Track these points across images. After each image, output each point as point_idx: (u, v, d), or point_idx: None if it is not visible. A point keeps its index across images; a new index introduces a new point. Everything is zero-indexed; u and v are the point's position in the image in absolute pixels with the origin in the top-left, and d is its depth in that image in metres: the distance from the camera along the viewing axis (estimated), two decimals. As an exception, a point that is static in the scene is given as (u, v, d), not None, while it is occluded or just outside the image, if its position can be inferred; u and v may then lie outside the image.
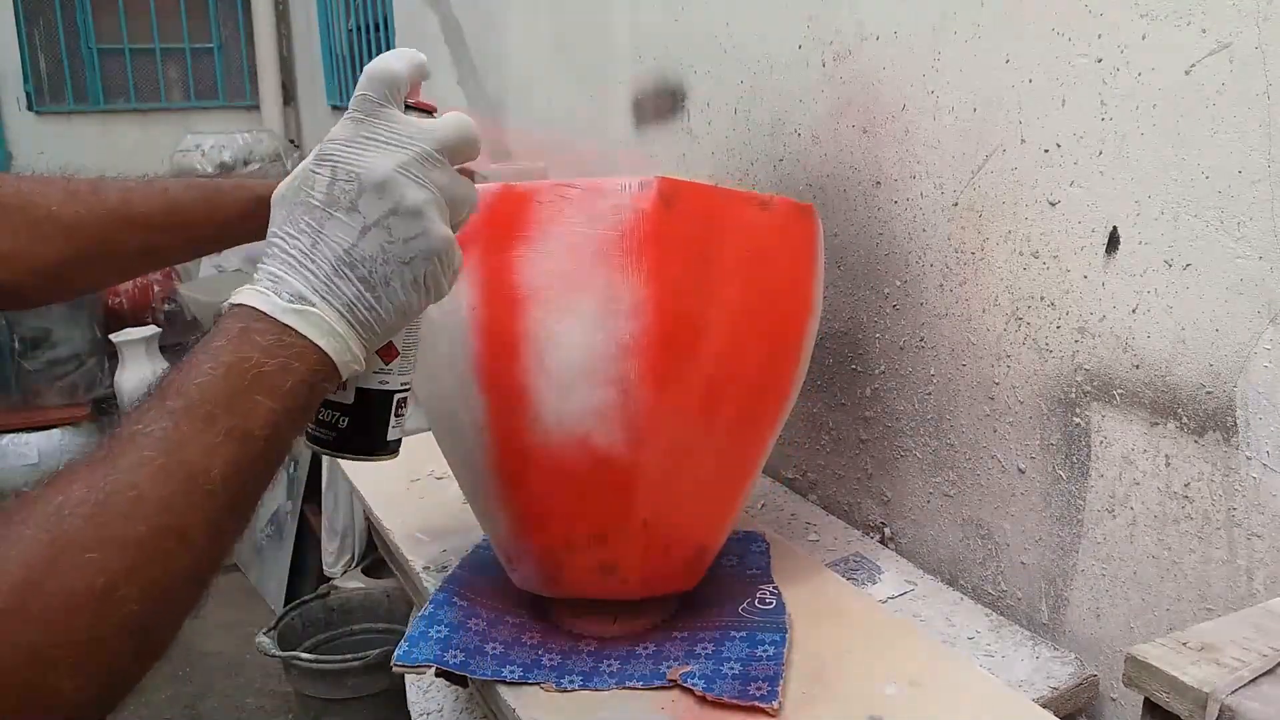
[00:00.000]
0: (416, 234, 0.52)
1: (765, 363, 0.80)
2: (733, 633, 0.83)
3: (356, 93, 0.54)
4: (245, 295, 0.50)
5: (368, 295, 0.51)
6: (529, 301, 0.75)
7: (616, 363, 0.74)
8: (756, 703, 0.74)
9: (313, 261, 0.50)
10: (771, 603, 0.87)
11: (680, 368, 0.75)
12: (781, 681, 0.76)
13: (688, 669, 0.78)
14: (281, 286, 0.49)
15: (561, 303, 0.75)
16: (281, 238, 0.51)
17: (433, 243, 0.53)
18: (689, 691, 0.76)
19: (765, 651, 0.80)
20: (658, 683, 0.78)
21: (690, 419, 0.77)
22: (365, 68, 0.55)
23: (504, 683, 0.80)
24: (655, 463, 0.77)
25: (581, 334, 0.75)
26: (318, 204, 0.51)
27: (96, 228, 0.75)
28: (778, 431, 0.87)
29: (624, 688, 0.78)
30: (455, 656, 0.82)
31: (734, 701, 0.74)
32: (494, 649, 0.83)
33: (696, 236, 0.75)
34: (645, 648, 0.83)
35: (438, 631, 0.85)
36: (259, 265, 0.51)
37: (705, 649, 0.81)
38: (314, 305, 0.49)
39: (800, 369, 0.85)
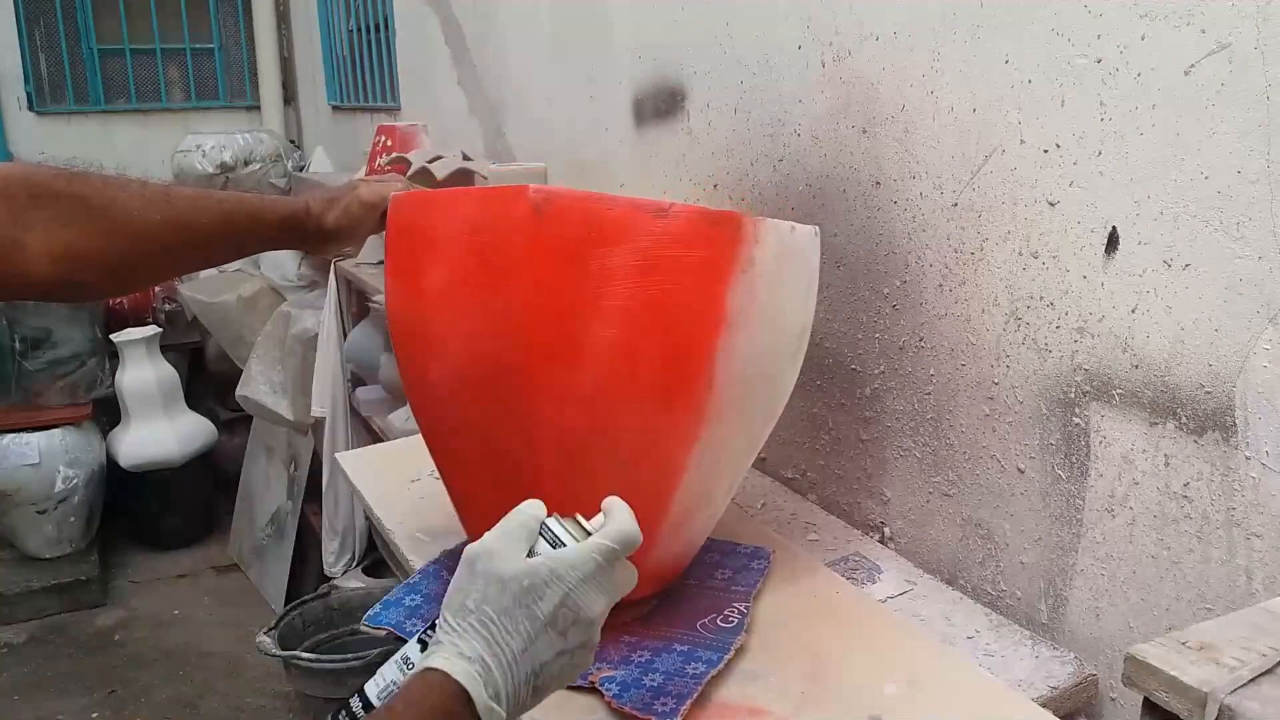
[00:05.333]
0: (590, 654, 0.62)
1: (664, 376, 0.77)
2: (676, 645, 0.82)
3: (609, 544, 0.62)
4: (460, 669, 0.57)
5: (533, 699, 0.60)
6: (431, 307, 0.79)
7: (503, 370, 0.76)
8: (654, 718, 0.73)
9: (517, 667, 0.58)
10: (733, 622, 0.86)
11: (562, 378, 0.75)
12: (690, 700, 0.75)
13: (610, 674, 0.78)
14: (488, 681, 0.57)
15: (454, 310, 0.77)
16: (500, 627, 0.58)
17: (591, 657, 0.63)
18: (602, 694, 0.76)
19: (695, 669, 0.79)
20: (580, 683, 0.77)
21: (581, 430, 0.76)
22: (621, 529, 0.63)
23: None
24: (551, 467, 0.77)
25: (470, 341, 0.77)
26: (540, 618, 0.59)
27: (164, 235, 0.84)
28: (701, 448, 0.81)
29: None
30: (415, 625, 0.84)
31: (634, 713, 0.74)
32: None
33: (573, 246, 0.73)
34: None
35: (412, 600, 0.88)
36: (464, 620, 0.59)
37: (641, 656, 0.81)
38: (502, 711, 0.57)
39: (718, 384, 0.79)
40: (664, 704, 0.74)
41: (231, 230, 0.89)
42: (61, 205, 0.79)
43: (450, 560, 0.94)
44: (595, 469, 0.77)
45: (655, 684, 0.77)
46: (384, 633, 0.85)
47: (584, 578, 0.60)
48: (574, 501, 0.78)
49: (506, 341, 0.75)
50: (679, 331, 0.76)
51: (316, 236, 0.94)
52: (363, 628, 0.86)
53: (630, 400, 0.76)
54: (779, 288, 0.81)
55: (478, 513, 0.85)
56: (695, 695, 0.75)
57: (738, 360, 0.79)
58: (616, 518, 0.64)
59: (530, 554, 0.62)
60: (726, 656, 0.80)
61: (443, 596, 0.87)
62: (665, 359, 0.76)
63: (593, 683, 0.77)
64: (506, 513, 0.81)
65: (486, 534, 0.63)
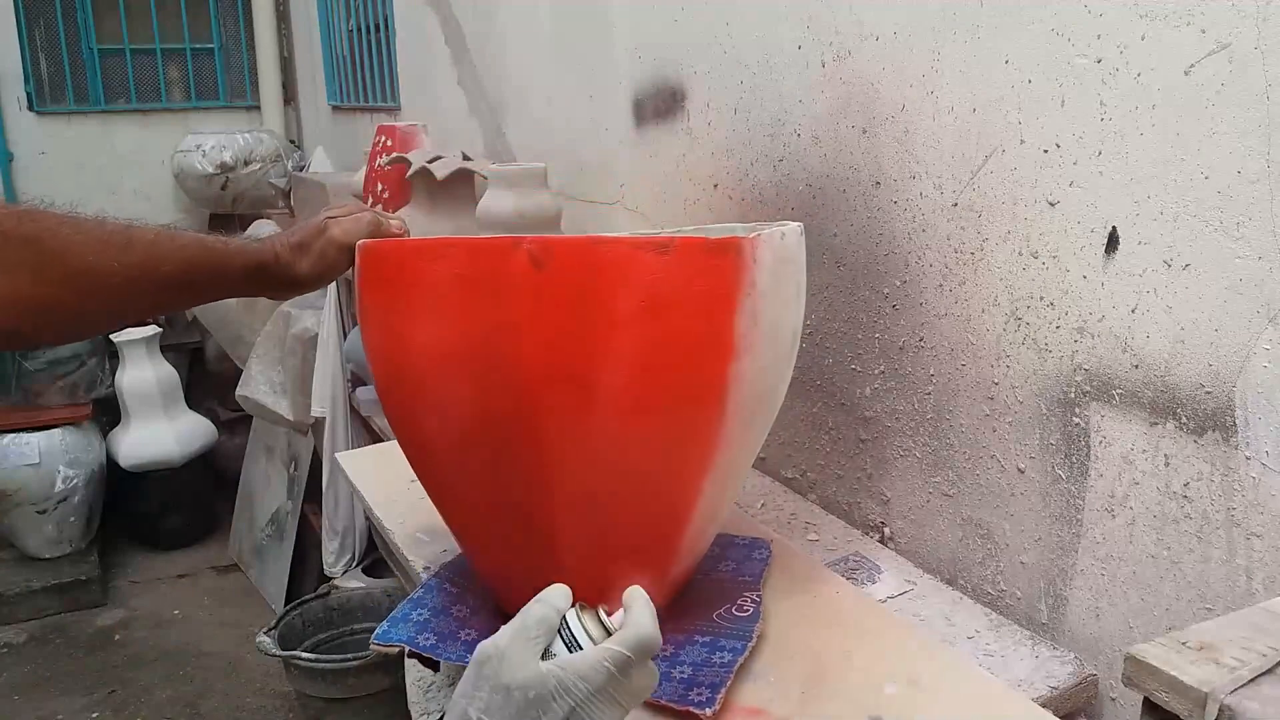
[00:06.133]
0: None
1: (678, 412, 0.76)
2: (697, 638, 0.83)
3: (622, 652, 0.58)
4: None
5: None
6: (423, 361, 0.76)
7: (511, 424, 0.74)
8: (692, 708, 0.73)
9: None
10: (748, 610, 0.86)
11: (574, 427, 0.74)
12: (724, 689, 0.75)
13: None
14: None
15: (451, 366, 0.75)
16: None
17: None
18: None
19: (721, 658, 0.79)
20: None
21: (595, 474, 0.76)
22: (638, 634, 0.59)
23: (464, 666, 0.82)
24: (565, 511, 0.77)
25: (472, 397, 0.75)
26: None
27: (120, 283, 0.78)
28: (714, 472, 0.81)
29: None
30: (428, 640, 0.84)
31: (671, 705, 0.74)
32: (467, 635, 0.85)
33: (575, 294, 0.72)
34: None
35: (419, 615, 0.87)
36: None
37: (665, 651, 0.81)
38: None
39: (729, 411, 0.77)
40: (699, 694, 0.75)
41: (193, 278, 0.83)
42: (10, 249, 0.72)
43: (450, 573, 0.94)
44: (611, 508, 0.77)
45: (685, 675, 0.77)
46: (395, 650, 0.85)
47: (594, 691, 0.56)
48: (593, 548, 0.79)
49: (513, 396, 0.73)
50: (690, 367, 0.75)
51: (286, 284, 0.89)
52: (373, 646, 0.85)
53: (645, 440, 0.75)
54: (777, 301, 0.79)
55: (487, 554, 0.86)
56: (729, 683, 0.76)
57: (746, 384, 0.77)
58: (634, 619, 0.60)
59: (546, 654, 0.58)
60: (750, 644, 0.81)
61: (449, 609, 0.88)
62: (678, 396, 0.75)
63: None
64: (518, 554, 0.81)
65: (504, 628, 0.60)
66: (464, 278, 0.74)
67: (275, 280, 0.88)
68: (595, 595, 0.81)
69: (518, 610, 0.83)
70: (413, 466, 0.85)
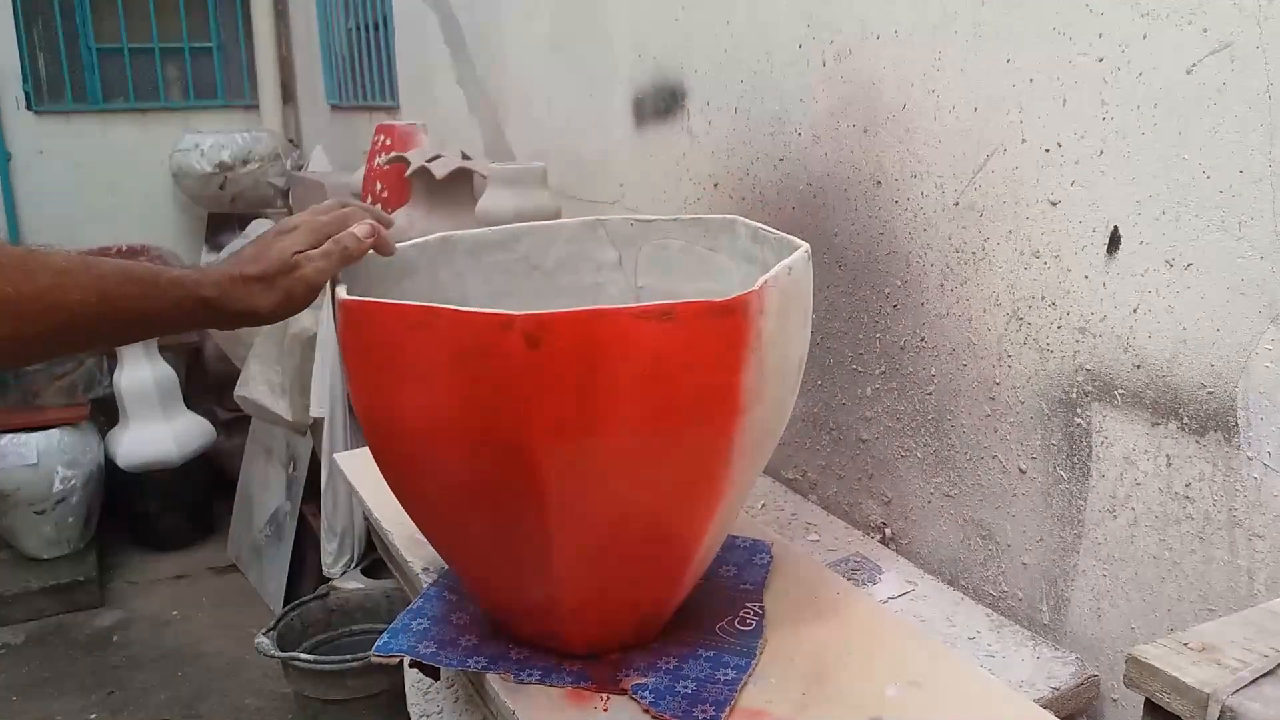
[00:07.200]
0: None
1: (683, 472, 0.74)
2: (701, 651, 0.82)
3: None
4: None
5: None
6: (418, 425, 0.74)
7: (513, 486, 0.72)
8: None
9: None
10: (751, 624, 0.86)
11: (576, 487, 0.72)
12: (729, 707, 0.75)
13: (642, 680, 0.78)
14: None
15: (446, 433, 0.72)
16: None
17: None
18: (638, 702, 0.76)
19: (725, 675, 0.79)
20: (611, 688, 0.78)
21: (600, 533, 0.75)
22: None
23: (468, 671, 0.82)
24: (568, 568, 0.76)
25: (471, 463, 0.73)
26: None
27: (19, 312, 0.70)
28: (719, 513, 0.80)
29: (579, 688, 0.78)
30: (428, 648, 0.84)
31: None
32: (468, 641, 0.85)
33: (575, 368, 0.69)
34: (612, 654, 0.83)
35: (419, 624, 0.87)
36: None
37: (668, 663, 0.81)
38: None
39: (736, 461, 0.76)
40: (703, 711, 0.74)
41: (111, 309, 0.73)
42: None
43: (449, 581, 0.94)
44: (614, 558, 0.77)
45: (689, 691, 0.77)
46: (396, 660, 0.84)
47: None
48: (595, 593, 0.78)
49: (513, 461, 0.71)
50: (695, 428, 0.73)
51: (238, 318, 0.79)
52: (374, 659, 0.85)
53: (649, 495, 0.74)
54: (784, 339, 0.76)
55: (488, 594, 0.86)
56: (734, 703, 0.75)
57: (753, 433, 0.76)
58: None
59: None
60: (754, 661, 0.81)
61: (448, 617, 0.88)
62: (684, 458, 0.73)
63: (624, 689, 0.77)
64: (520, 597, 0.80)
65: None
66: (456, 349, 0.70)
67: (223, 315, 0.78)
68: (598, 629, 0.81)
69: (518, 631, 0.84)
70: (410, 517, 0.83)
